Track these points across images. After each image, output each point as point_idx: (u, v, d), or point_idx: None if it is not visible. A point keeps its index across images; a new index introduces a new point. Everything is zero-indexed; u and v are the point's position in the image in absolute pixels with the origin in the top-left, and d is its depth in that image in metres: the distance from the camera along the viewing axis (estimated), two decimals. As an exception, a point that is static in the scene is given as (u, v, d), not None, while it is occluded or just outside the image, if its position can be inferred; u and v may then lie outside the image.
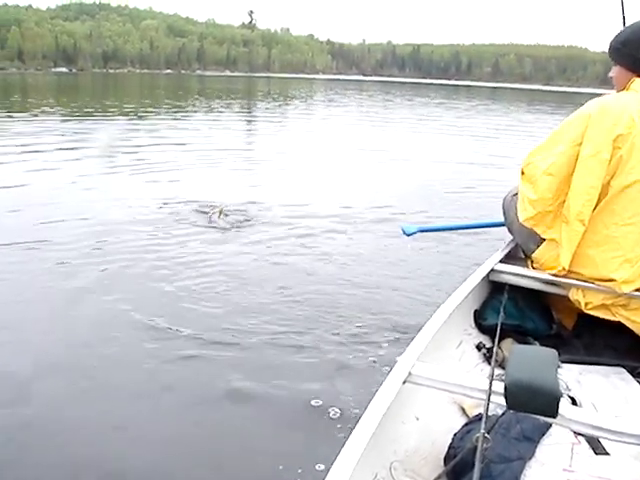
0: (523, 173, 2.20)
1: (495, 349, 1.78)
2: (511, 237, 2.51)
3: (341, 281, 3.93)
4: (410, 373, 1.47)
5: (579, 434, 1.45)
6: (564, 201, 2.00)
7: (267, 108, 24.79)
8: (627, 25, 2.24)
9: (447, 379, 1.44)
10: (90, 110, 18.76)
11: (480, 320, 2.23)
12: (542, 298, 2.29)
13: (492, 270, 2.30)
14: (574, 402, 1.73)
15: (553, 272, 2.08)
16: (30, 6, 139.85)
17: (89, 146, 10.21)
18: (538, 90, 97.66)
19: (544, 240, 2.10)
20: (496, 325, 1.97)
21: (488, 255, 2.45)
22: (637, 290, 1.91)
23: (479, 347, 2.11)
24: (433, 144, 12.82)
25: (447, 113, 25.13)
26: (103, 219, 5.26)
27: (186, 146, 10.59)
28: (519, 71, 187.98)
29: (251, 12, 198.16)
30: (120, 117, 16.30)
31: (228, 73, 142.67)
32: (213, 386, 2.61)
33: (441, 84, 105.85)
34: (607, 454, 1.44)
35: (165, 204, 5.87)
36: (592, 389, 1.82)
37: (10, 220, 5.21)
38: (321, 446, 2.11)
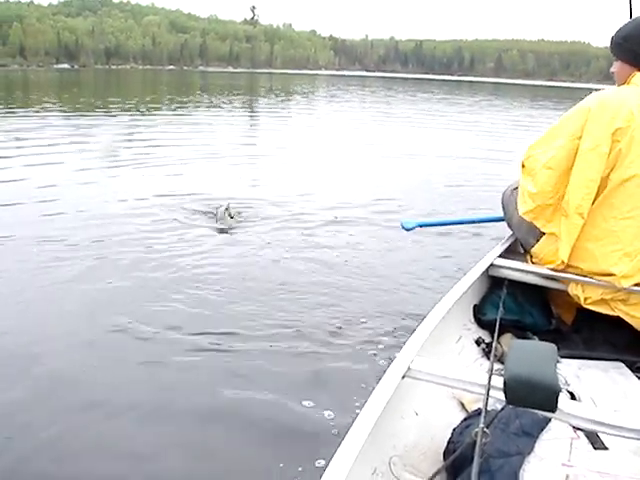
0: (523, 166, 2.20)
1: (494, 344, 1.78)
2: (510, 232, 2.50)
3: (340, 277, 3.92)
4: (409, 368, 1.47)
5: (578, 429, 1.45)
6: (564, 195, 2.00)
7: (269, 104, 24.77)
8: (629, 20, 2.24)
9: (446, 374, 1.44)
10: (92, 106, 18.74)
11: (479, 315, 2.24)
12: (541, 293, 2.30)
13: (491, 265, 2.30)
14: (573, 397, 1.74)
15: (552, 266, 2.09)
16: (32, 2, 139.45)
17: (91, 141, 10.23)
18: (541, 86, 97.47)
19: (543, 235, 2.10)
20: (495, 320, 1.98)
21: (487, 250, 2.45)
22: (636, 285, 1.91)
23: (478, 342, 2.12)
24: (435, 139, 12.78)
25: (449, 109, 25.08)
26: (105, 214, 5.26)
27: (189, 142, 10.57)
28: (522, 67, 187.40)
29: (253, 8, 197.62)
30: (122, 113, 16.28)
31: (230, 69, 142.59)
32: (211, 382, 2.60)
33: (444, 80, 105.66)
34: (606, 449, 1.44)
35: (168, 200, 5.85)
36: (591, 384, 1.82)
37: (8, 213, 5.23)
38: (320, 443, 2.10)
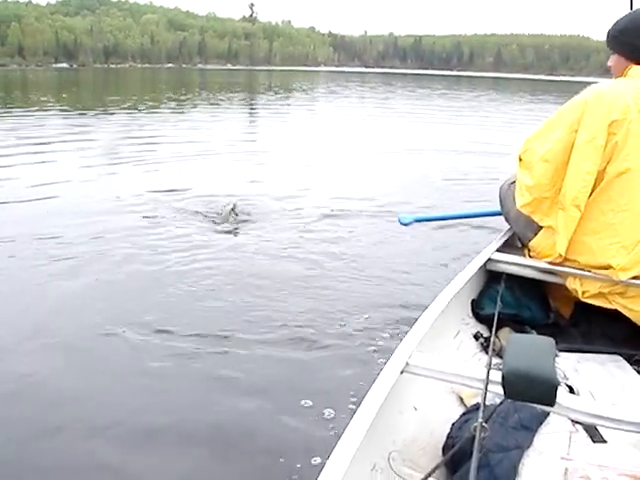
0: (520, 159, 2.20)
1: (492, 338, 1.77)
2: (508, 226, 2.50)
3: (338, 273, 3.92)
4: (408, 363, 1.47)
5: (577, 422, 1.45)
6: (561, 188, 1.99)
7: (269, 101, 24.73)
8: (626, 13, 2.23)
9: (445, 369, 1.44)
10: (91, 105, 18.77)
11: (477, 309, 2.23)
12: (539, 287, 2.29)
13: (489, 259, 2.30)
14: (572, 390, 1.73)
15: (550, 260, 2.08)
16: (30, 1, 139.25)
17: (91, 139, 10.22)
18: (541, 80, 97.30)
19: (541, 228, 2.10)
20: (493, 314, 1.97)
21: (485, 244, 2.44)
22: (634, 278, 1.90)
23: (477, 336, 2.11)
24: (433, 134, 12.76)
25: (449, 103, 25.06)
26: (102, 212, 5.26)
27: (188, 139, 10.57)
28: (521, 61, 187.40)
29: (252, 5, 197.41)
30: (121, 112, 16.26)
31: (229, 66, 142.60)
32: (209, 378, 2.60)
33: (443, 75, 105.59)
34: (605, 442, 1.44)
35: (167, 197, 5.86)
36: (589, 377, 1.82)
37: (5, 212, 5.26)
38: (319, 441, 2.10)
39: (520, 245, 2.39)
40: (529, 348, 1.14)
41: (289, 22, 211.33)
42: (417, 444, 1.53)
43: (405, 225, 3.02)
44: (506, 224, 2.50)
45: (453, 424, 1.54)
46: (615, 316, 1.99)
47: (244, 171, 7.62)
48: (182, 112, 17.33)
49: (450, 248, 4.44)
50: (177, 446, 2.17)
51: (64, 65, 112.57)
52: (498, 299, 2.11)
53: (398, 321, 3.14)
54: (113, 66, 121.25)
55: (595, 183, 1.93)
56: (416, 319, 1.73)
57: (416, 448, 1.51)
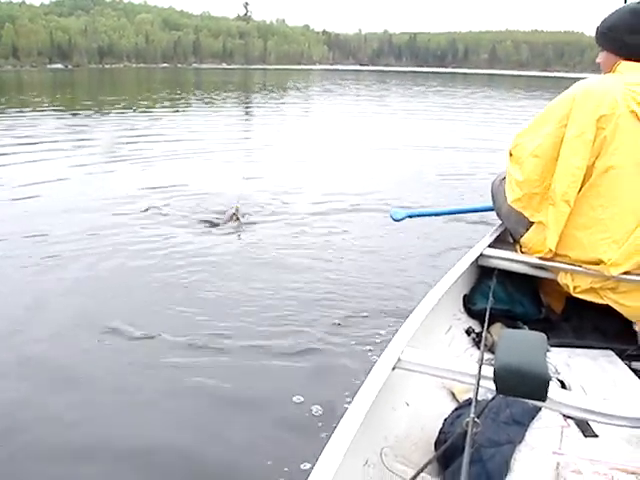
0: (511, 155, 2.20)
1: (484, 334, 1.77)
2: (500, 221, 2.50)
3: (330, 271, 3.93)
4: (399, 359, 1.46)
5: (568, 417, 1.46)
6: (551, 184, 1.99)
7: (264, 100, 24.72)
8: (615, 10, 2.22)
9: (437, 364, 1.43)
10: (85, 106, 18.69)
11: (469, 305, 2.23)
12: (531, 282, 2.29)
13: (481, 255, 2.29)
14: (563, 385, 1.74)
15: (541, 255, 2.08)
16: (23, 2, 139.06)
17: (85, 138, 10.26)
18: (535, 76, 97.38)
19: (532, 224, 2.10)
20: (485, 310, 1.97)
21: (477, 240, 2.44)
22: (625, 273, 1.90)
23: (468, 332, 2.11)
24: (429, 131, 12.78)
25: (444, 100, 25.06)
26: (94, 210, 5.28)
27: (183, 139, 10.59)
28: (516, 58, 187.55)
29: (246, 4, 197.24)
30: (116, 112, 16.25)
31: (224, 65, 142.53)
32: (199, 377, 2.58)
33: (438, 72, 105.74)
34: (596, 436, 1.45)
35: (162, 196, 5.87)
36: (581, 372, 1.82)
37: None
38: (310, 438, 2.10)
39: (512, 240, 2.39)
40: (521, 343, 1.14)
41: (283, 21, 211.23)
42: (409, 440, 1.53)
43: (397, 220, 3.01)
44: (498, 219, 2.50)
45: (445, 419, 1.54)
46: (606, 311, 1.99)
47: (239, 169, 7.59)
48: (177, 111, 17.31)
49: (442, 243, 4.46)
50: (166, 439, 2.17)
51: (59, 66, 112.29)
52: (490, 294, 2.11)
53: (390, 317, 3.15)
54: (108, 66, 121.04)
55: (584, 178, 1.93)
56: (408, 315, 1.72)
57: (408, 444, 1.51)
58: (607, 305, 1.97)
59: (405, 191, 6.26)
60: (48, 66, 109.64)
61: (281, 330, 3.04)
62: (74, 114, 15.60)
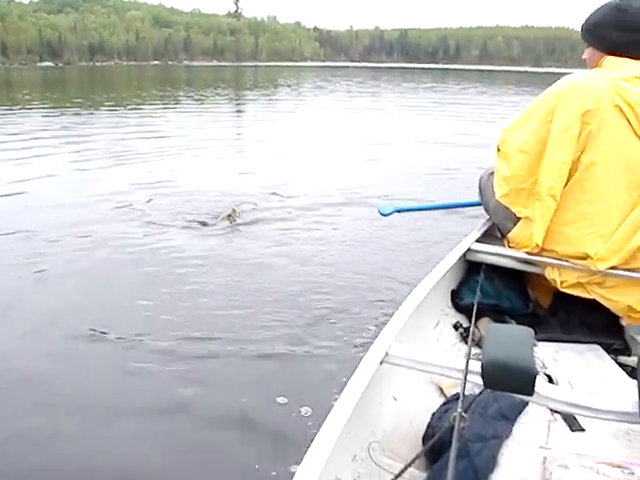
0: (499, 150, 2.20)
1: (472, 328, 1.77)
2: (488, 216, 2.50)
3: (318, 266, 3.93)
4: (387, 353, 1.46)
5: (555, 411, 1.46)
6: (537, 179, 2.00)
7: (255, 97, 24.68)
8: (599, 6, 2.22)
9: (424, 359, 1.43)
10: (76, 103, 18.61)
11: (457, 300, 2.24)
12: (518, 277, 2.30)
13: (469, 249, 2.30)
14: (550, 380, 1.74)
15: (528, 250, 2.09)
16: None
17: (77, 135, 10.22)
18: (527, 72, 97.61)
19: (520, 219, 2.11)
20: (473, 304, 1.97)
21: (465, 235, 2.43)
22: (611, 268, 1.91)
23: (456, 327, 2.12)
24: (420, 127, 12.80)
25: (435, 96, 25.08)
26: (88, 210, 5.23)
27: (174, 136, 10.54)
28: (507, 53, 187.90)
29: (237, 0, 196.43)
30: (107, 109, 16.17)
31: (215, 63, 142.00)
32: (180, 379, 2.55)
33: (429, 68, 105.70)
34: (583, 430, 1.45)
35: (153, 195, 5.84)
36: (568, 367, 1.83)
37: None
38: (295, 439, 2.08)
39: (500, 235, 2.39)
40: (508, 338, 1.14)
41: (274, 17, 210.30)
42: (397, 434, 1.53)
43: (385, 215, 3.00)
44: (486, 214, 2.50)
45: (433, 414, 1.54)
46: (593, 306, 2.00)
47: (230, 166, 7.62)
48: (167, 109, 17.24)
49: (430, 238, 4.47)
50: (148, 445, 2.14)
51: (49, 64, 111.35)
52: (477, 289, 2.11)
53: (378, 312, 3.15)
54: (99, 64, 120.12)
55: (570, 173, 1.94)
56: (395, 310, 1.72)
57: (396, 438, 1.52)
58: (594, 300, 1.98)
59: (395, 186, 6.27)
60: (38, 64, 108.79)
61: (266, 327, 3.02)
62: (64, 112, 15.50)
